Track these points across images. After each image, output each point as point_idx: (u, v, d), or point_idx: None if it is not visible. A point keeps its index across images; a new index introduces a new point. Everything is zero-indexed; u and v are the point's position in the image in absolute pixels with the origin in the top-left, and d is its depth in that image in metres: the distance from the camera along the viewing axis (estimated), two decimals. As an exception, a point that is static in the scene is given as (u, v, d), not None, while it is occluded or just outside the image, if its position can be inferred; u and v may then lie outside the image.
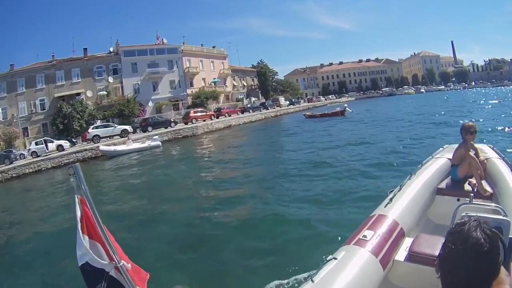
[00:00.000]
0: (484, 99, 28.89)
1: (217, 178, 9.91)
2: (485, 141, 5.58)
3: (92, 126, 26.38)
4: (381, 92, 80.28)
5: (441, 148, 4.21)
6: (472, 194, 2.53)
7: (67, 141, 24.38)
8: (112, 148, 20.27)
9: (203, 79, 44.66)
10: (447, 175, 3.58)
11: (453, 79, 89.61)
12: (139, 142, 21.43)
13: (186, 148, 19.59)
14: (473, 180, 3.27)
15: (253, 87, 56.40)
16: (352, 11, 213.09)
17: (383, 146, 10.89)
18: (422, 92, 73.30)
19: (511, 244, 1.51)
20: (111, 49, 41.43)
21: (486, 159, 3.53)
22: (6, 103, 34.36)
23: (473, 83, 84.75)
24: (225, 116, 33.73)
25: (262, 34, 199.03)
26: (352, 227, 2.57)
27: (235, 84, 52.01)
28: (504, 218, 1.76)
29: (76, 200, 1.25)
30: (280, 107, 46.88)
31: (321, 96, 73.52)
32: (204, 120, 30.46)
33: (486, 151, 3.79)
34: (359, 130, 17.00)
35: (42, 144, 22.45)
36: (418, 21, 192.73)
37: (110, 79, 38.35)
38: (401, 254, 2.24)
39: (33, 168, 18.99)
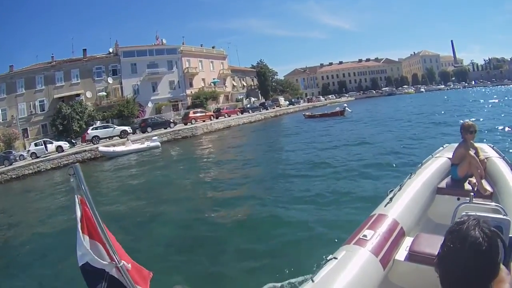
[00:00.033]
0: (483, 100, 28.89)
1: (216, 179, 9.89)
2: (485, 140, 5.58)
3: (92, 127, 26.36)
4: (381, 91, 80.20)
5: (441, 148, 4.21)
6: (472, 193, 2.53)
7: (66, 142, 24.35)
8: (111, 149, 20.26)
9: (203, 79, 44.63)
10: (447, 175, 3.58)
11: (453, 78, 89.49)
12: (138, 143, 21.43)
13: (185, 149, 19.55)
14: (473, 179, 3.27)
15: (252, 87, 56.36)
16: (352, 11, 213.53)
17: (383, 146, 10.88)
18: (422, 91, 73.19)
19: (511, 243, 1.51)
20: (111, 50, 41.44)
21: (486, 158, 3.53)
22: (6, 104, 34.36)
23: (473, 82, 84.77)
24: (225, 117, 33.68)
25: (262, 34, 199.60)
26: (351, 228, 2.56)
27: (235, 84, 51.97)
28: (504, 217, 1.77)
29: (76, 200, 1.25)
30: (280, 107, 46.79)
31: (321, 96, 73.36)
32: (204, 121, 30.38)
33: (486, 150, 3.79)
34: (358, 130, 16.98)
35: (42, 145, 22.43)
36: (418, 21, 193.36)
37: (110, 80, 38.34)
38: (401, 254, 2.24)
39: (33, 169, 18.97)
